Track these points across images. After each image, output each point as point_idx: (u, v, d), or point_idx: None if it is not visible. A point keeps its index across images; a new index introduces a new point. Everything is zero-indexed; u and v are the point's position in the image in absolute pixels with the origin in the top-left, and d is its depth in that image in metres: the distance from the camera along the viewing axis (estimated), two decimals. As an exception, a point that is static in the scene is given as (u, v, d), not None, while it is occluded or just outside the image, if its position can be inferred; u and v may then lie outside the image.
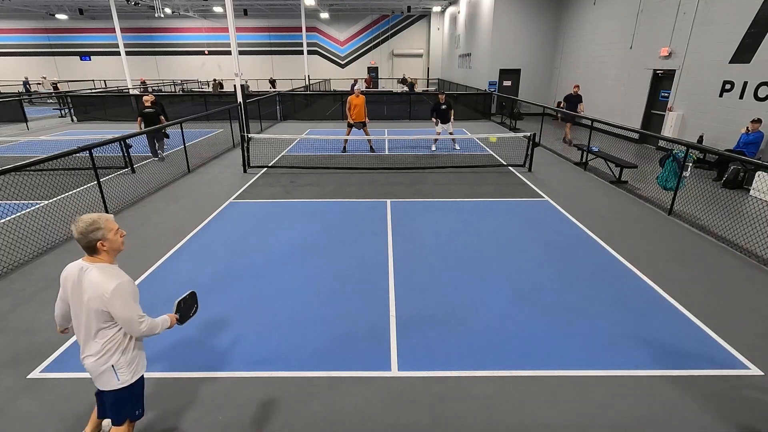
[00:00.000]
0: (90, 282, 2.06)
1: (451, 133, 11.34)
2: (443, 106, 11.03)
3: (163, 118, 10.29)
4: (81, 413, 2.92)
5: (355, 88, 10.94)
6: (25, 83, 27.94)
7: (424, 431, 2.80)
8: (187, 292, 2.51)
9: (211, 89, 27.91)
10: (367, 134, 11.07)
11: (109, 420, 2.39)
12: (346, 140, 11.48)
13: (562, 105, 12.31)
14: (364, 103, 10.84)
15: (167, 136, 11.24)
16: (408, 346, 3.62)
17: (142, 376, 2.34)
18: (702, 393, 3.09)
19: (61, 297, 2.29)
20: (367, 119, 11.01)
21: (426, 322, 3.93)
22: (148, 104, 10.20)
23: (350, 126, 11.08)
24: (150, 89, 24.34)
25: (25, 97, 21.31)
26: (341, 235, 5.94)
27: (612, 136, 13.06)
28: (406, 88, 28.93)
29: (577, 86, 12.66)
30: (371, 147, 11.49)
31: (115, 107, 18.22)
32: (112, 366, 2.18)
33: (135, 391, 2.32)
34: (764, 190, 7.39)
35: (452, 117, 11.28)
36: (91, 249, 2.09)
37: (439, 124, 11.21)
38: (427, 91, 28.01)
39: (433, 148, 11.60)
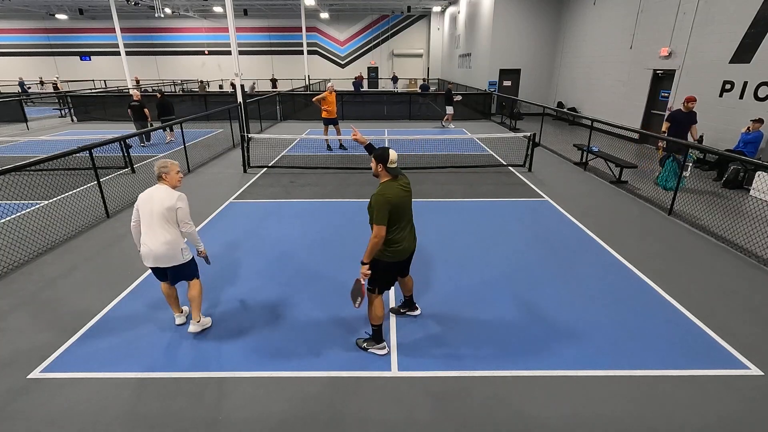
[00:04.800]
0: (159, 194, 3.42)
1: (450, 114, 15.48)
2: (452, 93, 15.58)
3: (146, 110, 12.27)
4: (81, 413, 2.92)
5: (328, 85, 11.30)
6: (21, 83, 27.82)
7: (423, 431, 2.80)
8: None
9: (198, 89, 28.21)
10: (326, 133, 11.31)
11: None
12: (340, 139, 11.75)
13: (664, 130, 7.91)
14: (335, 100, 11.19)
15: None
16: (408, 346, 3.62)
17: None
18: (702, 393, 3.09)
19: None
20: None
21: (426, 322, 3.93)
22: (136, 99, 12.28)
23: (327, 124, 11.25)
24: (152, 89, 24.34)
25: (23, 97, 21.25)
26: (341, 235, 5.94)
27: (612, 136, 13.06)
28: (398, 87, 28.97)
29: (693, 99, 7.70)
30: (329, 146, 11.80)
31: (115, 107, 18.22)
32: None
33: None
34: (764, 190, 7.38)
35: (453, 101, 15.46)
36: (160, 178, 3.45)
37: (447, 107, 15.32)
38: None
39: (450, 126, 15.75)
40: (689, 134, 7.83)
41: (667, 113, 11.08)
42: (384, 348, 3.52)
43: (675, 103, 10.94)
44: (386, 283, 3.42)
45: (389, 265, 3.33)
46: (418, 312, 4.00)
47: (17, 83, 28.13)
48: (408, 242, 3.34)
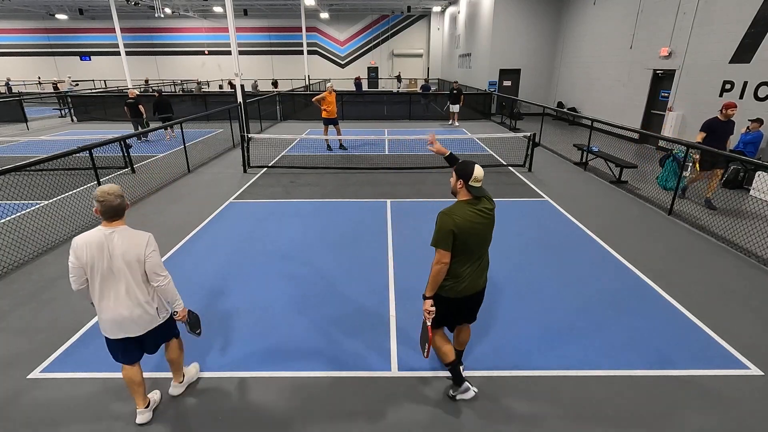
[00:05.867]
0: (123, 240, 2.45)
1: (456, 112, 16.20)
2: (455, 92, 15.80)
3: (141, 107, 12.93)
4: (81, 413, 2.92)
5: (328, 85, 11.37)
6: (7, 83, 27.68)
7: (423, 431, 2.80)
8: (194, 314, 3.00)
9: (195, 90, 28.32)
10: (326, 133, 11.34)
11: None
12: (340, 139, 11.79)
13: (699, 140, 6.96)
14: (335, 100, 11.24)
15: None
16: (408, 346, 3.62)
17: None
18: (702, 393, 3.09)
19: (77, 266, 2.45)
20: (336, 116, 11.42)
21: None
22: (132, 97, 12.92)
23: (327, 124, 11.28)
24: (151, 89, 24.37)
25: (12, 98, 21.13)
26: (341, 235, 5.94)
27: (612, 136, 13.06)
28: (401, 88, 29.01)
29: (733, 106, 6.71)
30: (329, 146, 11.89)
31: (115, 107, 18.22)
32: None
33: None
34: (764, 190, 7.39)
35: (461, 101, 16.07)
36: (124, 210, 2.48)
37: (451, 105, 16.04)
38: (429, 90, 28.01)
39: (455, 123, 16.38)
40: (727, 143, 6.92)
41: (667, 114, 11.12)
42: (467, 390, 2.95)
43: (675, 104, 10.96)
44: (440, 318, 2.81)
45: (447, 300, 2.75)
46: (467, 392, 2.97)
47: (3, 83, 27.99)
48: (472, 280, 2.71)
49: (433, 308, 2.70)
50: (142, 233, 2.52)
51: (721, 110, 6.86)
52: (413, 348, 3.59)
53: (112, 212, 2.43)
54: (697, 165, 7.06)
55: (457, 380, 2.96)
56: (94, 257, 2.41)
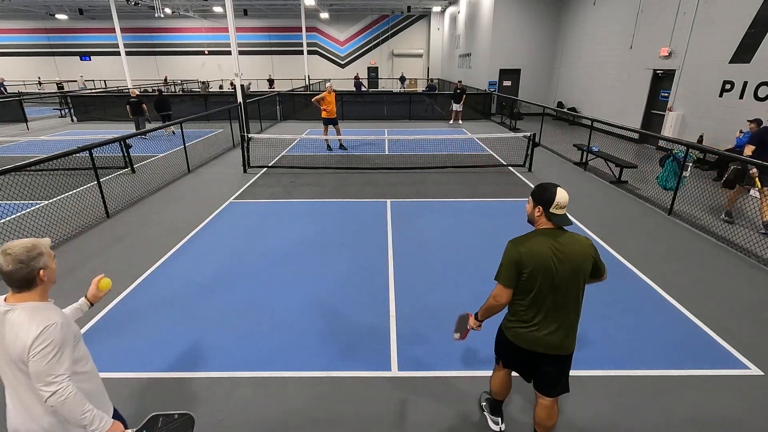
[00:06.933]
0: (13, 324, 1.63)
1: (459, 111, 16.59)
2: (458, 91, 16.20)
3: (144, 106, 13.49)
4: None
5: (327, 85, 11.38)
6: (1, 83, 27.58)
7: (423, 431, 2.79)
8: (177, 414, 2.01)
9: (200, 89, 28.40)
10: (326, 133, 11.36)
11: None
12: (340, 139, 11.80)
13: (749, 154, 6.01)
14: (334, 100, 11.28)
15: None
16: (408, 346, 3.62)
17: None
18: (702, 393, 3.09)
19: None
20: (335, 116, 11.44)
21: (426, 322, 3.93)
22: (134, 96, 13.47)
23: (326, 124, 11.31)
24: (151, 89, 24.38)
25: (12, 98, 20.97)
26: (341, 235, 5.94)
27: (612, 136, 13.06)
28: (403, 88, 29.03)
29: None
30: (329, 146, 11.92)
31: (115, 107, 18.22)
32: None
33: None
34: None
35: (463, 99, 16.35)
36: (28, 282, 1.71)
37: (454, 104, 16.49)
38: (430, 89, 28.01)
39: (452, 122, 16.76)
40: None
41: (667, 113, 11.10)
42: (496, 423, 2.79)
43: (675, 104, 10.95)
44: (506, 359, 2.55)
45: (509, 344, 2.38)
46: (495, 424, 2.79)
47: None
48: (542, 333, 2.21)
49: (479, 328, 2.54)
50: (37, 319, 1.65)
51: None
52: (413, 348, 3.59)
53: (7, 281, 1.67)
54: (757, 181, 6.00)
55: (496, 410, 2.81)
56: None
